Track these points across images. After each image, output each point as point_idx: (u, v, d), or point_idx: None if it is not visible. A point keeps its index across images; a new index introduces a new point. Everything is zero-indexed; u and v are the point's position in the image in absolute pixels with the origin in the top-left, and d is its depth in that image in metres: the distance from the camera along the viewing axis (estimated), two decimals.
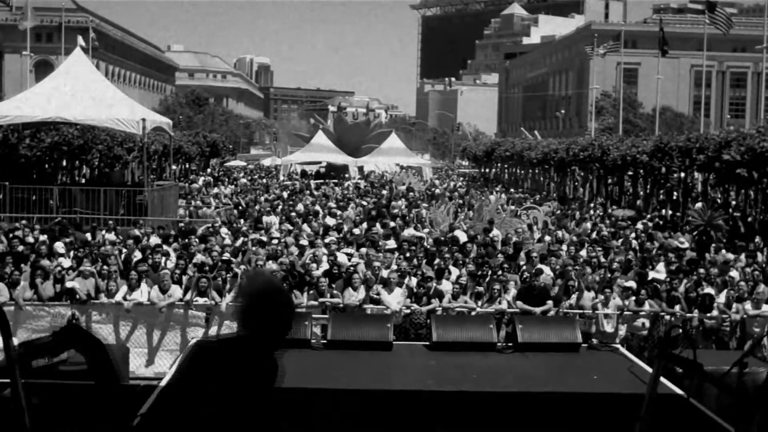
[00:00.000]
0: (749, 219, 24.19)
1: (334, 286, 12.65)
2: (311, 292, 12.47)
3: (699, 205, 27.26)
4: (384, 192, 34.30)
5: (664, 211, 28.95)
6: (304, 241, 16.32)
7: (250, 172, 55.29)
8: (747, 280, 13.66)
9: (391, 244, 16.55)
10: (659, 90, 56.11)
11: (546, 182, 47.75)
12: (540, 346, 10.68)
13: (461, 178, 56.51)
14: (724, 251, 17.36)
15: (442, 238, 17.73)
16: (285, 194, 32.22)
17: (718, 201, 27.44)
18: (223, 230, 18.72)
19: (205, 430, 3.41)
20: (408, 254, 15.23)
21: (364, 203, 27.70)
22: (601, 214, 26.72)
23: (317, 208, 25.47)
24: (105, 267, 13.08)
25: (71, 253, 14.74)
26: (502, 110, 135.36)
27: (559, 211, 26.61)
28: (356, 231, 19.15)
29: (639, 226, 21.97)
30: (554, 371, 10.05)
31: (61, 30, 56.69)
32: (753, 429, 4.07)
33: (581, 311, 12.29)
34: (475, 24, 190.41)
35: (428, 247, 16.64)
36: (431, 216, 22.44)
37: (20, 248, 14.82)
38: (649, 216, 26.45)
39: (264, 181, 42.93)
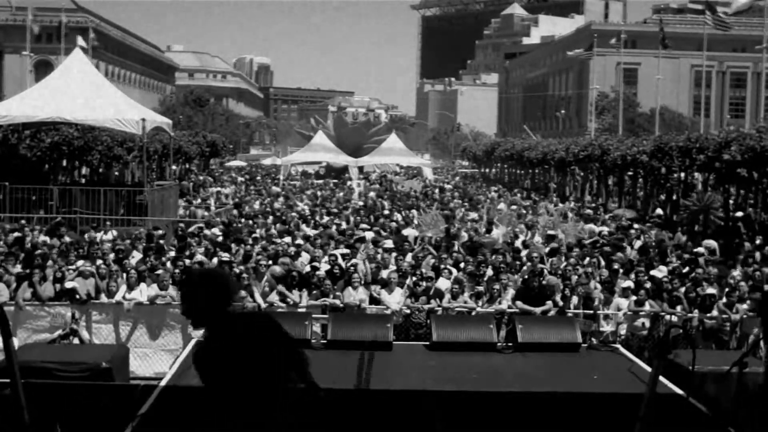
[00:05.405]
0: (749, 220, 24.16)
1: (336, 287, 12.66)
2: (314, 292, 12.47)
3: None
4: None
5: (660, 210, 28.92)
6: (301, 242, 16.31)
7: (250, 172, 55.18)
8: (747, 279, 13.65)
9: (390, 243, 16.54)
10: (659, 90, 56.09)
11: (546, 182, 47.72)
12: (540, 346, 10.68)
13: (456, 178, 56.46)
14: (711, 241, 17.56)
15: (439, 238, 17.75)
16: (283, 194, 32.19)
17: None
18: (215, 230, 18.60)
19: None
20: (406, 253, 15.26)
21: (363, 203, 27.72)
22: (602, 213, 26.70)
23: (314, 209, 25.45)
24: (104, 266, 13.07)
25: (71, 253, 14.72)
26: (502, 110, 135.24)
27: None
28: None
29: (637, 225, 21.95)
30: (554, 371, 10.04)
31: (61, 30, 56.63)
32: None
33: (581, 311, 12.29)
34: (475, 24, 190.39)
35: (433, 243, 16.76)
36: (420, 219, 22.34)
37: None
38: (648, 216, 26.46)
39: (259, 180, 42.73)
